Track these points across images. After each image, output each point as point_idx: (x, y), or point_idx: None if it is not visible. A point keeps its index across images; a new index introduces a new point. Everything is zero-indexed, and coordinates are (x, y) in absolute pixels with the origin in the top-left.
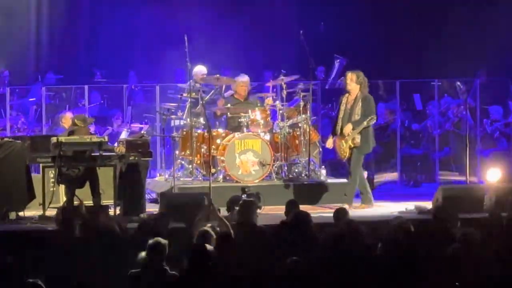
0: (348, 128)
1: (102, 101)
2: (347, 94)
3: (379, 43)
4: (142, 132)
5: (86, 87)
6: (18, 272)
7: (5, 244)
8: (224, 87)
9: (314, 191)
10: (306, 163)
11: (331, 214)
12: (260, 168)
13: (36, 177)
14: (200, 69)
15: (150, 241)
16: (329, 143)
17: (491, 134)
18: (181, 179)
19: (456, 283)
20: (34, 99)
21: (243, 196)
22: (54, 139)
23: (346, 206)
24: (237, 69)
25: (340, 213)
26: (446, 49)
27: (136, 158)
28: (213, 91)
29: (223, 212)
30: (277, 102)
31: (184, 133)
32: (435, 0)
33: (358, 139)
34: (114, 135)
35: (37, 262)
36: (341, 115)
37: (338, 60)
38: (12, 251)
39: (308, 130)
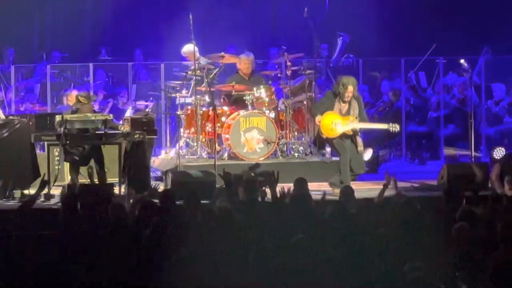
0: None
1: (107, 79)
2: (338, 99)
3: (384, 20)
4: (147, 110)
5: (91, 65)
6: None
7: (10, 222)
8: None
9: (319, 169)
10: (311, 140)
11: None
12: (265, 146)
13: (41, 155)
14: (193, 48)
15: None
16: (319, 119)
17: (496, 113)
18: (186, 157)
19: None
20: (39, 80)
21: (251, 174)
22: (58, 117)
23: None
24: (242, 46)
25: (348, 191)
26: (451, 27)
27: (141, 136)
28: (218, 69)
29: None
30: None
31: (189, 111)
32: None
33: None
34: (118, 112)
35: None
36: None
37: (341, 38)
38: (18, 229)
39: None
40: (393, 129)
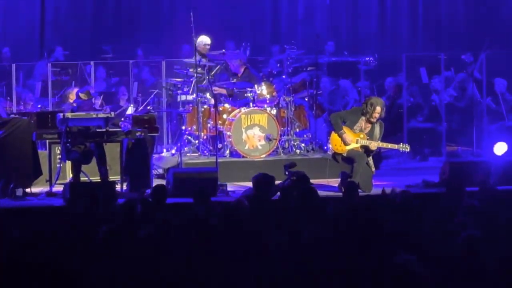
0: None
1: (108, 77)
2: (363, 118)
3: (384, 17)
4: (148, 107)
5: (92, 63)
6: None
7: (12, 220)
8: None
9: (320, 166)
10: (313, 137)
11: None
12: (267, 143)
13: (42, 153)
14: (202, 40)
15: None
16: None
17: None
18: (188, 154)
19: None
20: (40, 79)
21: (285, 173)
22: (60, 115)
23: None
24: (241, 41)
25: (352, 188)
26: (451, 22)
27: (143, 134)
28: (218, 66)
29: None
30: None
31: (191, 108)
32: None
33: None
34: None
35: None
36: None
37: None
38: (19, 227)
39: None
40: (403, 149)
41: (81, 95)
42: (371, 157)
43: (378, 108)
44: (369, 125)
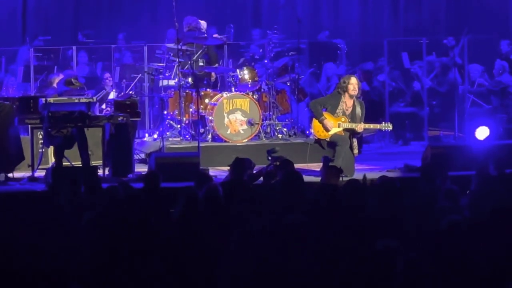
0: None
1: (90, 62)
2: (343, 98)
3: (367, 2)
4: (131, 92)
5: (74, 48)
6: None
7: None
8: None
9: (302, 150)
10: (295, 122)
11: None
12: (249, 127)
13: (24, 138)
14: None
15: None
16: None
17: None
18: (170, 139)
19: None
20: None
21: (268, 158)
22: (42, 100)
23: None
24: (223, 27)
25: (333, 173)
26: (433, 7)
27: (125, 119)
28: (200, 50)
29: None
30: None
31: (173, 93)
32: None
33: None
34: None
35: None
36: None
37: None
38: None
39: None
40: (386, 128)
41: (73, 81)
42: (355, 140)
43: (353, 79)
44: (350, 106)
